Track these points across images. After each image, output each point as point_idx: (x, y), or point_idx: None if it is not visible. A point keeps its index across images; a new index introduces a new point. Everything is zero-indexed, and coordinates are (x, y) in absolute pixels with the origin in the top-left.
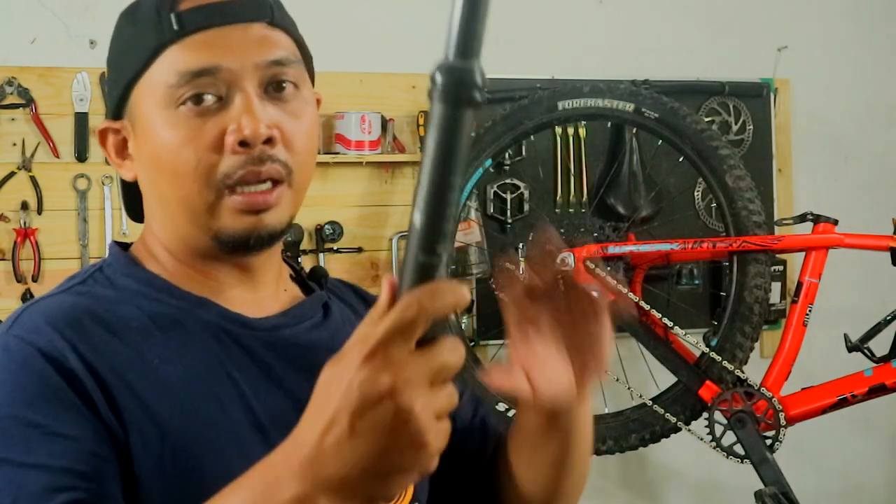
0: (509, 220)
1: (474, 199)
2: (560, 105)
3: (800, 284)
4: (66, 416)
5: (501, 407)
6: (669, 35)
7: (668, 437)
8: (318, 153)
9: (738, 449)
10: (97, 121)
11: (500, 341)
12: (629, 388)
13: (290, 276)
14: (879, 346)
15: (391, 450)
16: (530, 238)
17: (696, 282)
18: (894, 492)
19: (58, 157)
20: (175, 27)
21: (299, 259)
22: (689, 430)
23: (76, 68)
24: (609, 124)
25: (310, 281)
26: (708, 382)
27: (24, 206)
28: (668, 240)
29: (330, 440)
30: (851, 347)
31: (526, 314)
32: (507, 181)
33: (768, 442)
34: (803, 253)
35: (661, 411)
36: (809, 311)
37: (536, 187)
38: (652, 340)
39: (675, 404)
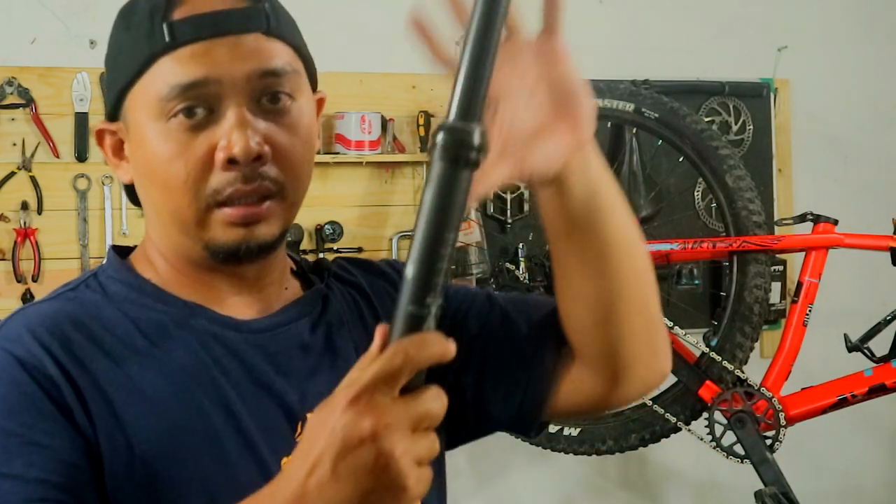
0: (509, 220)
1: None
2: None
3: (800, 284)
4: (44, 426)
5: None
6: (669, 35)
7: (668, 437)
8: (319, 153)
9: (738, 449)
10: (97, 121)
11: None
12: None
13: (292, 270)
14: (879, 346)
15: (372, 493)
16: None
17: (696, 282)
18: (894, 492)
19: (58, 157)
20: (167, 38)
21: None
22: (689, 430)
23: (76, 68)
24: (609, 124)
25: (312, 275)
26: (708, 382)
27: (24, 206)
28: (668, 240)
29: (314, 481)
30: (851, 347)
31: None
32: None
33: (768, 442)
34: (803, 253)
35: (661, 411)
36: (809, 311)
37: None
38: None
39: (675, 404)
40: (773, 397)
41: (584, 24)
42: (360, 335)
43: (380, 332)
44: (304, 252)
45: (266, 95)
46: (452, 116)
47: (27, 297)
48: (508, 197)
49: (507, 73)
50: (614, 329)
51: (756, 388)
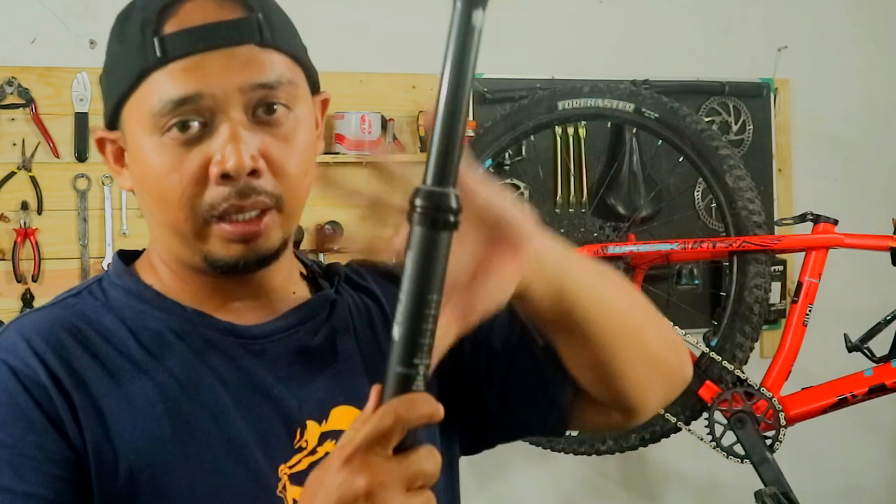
0: None
1: None
2: (560, 105)
3: (800, 284)
4: (34, 438)
5: None
6: (669, 35)
7: (668, 437)
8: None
9: (738, 449)
10: (97, 121)
11: None
12: None
13: (302, 273)
14: (879, 346)
15: None
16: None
17: (696, 282)
18: (894, 492)
19: (58, 157)
20: (158, 53)
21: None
22: (689, 430)
23: (76, 68)
24: (609, 124)
25: (321, 279)
26: (708, 382)
27: (24, 206)
28: (668, 240)
29: None
30: (851, 347)
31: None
32: (507, 181)
33: (768, 442)
34: (803, 253)
35: (661, 411)
36: (809, 311)
37: (536, 187)
38: None
39: (675, 404)
40: (773, 397)
41: (584, 24)
42: (369, 341)
43: (374, 391)
44: (304, 252)
45: (261, 107)
46: (429, 181)
47: (27, 297)
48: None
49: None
50: (617, 381)
51: (756, 388)
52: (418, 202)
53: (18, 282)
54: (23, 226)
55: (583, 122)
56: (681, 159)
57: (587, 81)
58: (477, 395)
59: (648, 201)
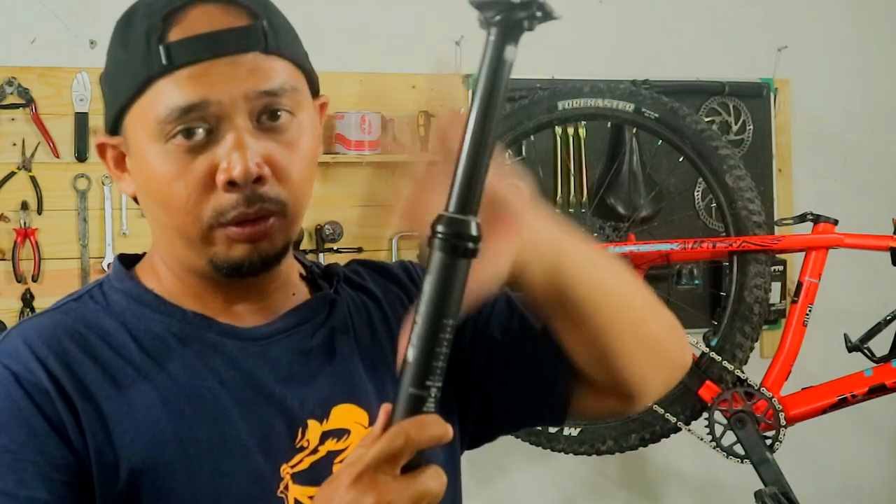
0: None
1: None
2: (560, 105)
3: (800, 284)
4: (36, 444)
5: None
6: (669, 35)
7: (668, 437)
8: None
9: (738, 449)
10: (97, 121)
11: None
12: None
13: (301, 274)
14: (879, 346)
15: None
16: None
17: (696, 282)
18: (894, 492)
19: (58, 157)
20: (164, 61)
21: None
22: (689, 430)
23: (76, 68)
24: (609, 124)
25: (321, 280)
26: (708, 382)
27: (24, 206)
28: (668, 240)
29: None
30: (851, 347)
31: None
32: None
33: (768, 442)
34: (803, 253)
35: (661, 411)
36: (809, 311)
37: (536, 187)
38: None
39: (675, 404)
40: (773, 397)
41: (584, 24)
42: (368, 341)
43: (384, 411)
44: (304, 252)
45: (265, 114)
46: (451, 209)
47: (27, 297)
48: None
49: (426, 203)
50: (616, 365)
51: (756, 388)
52: (440, 229)
53: (18, 282)
54: (23, 226)
55: (583, 122)
56: (681, 159)
57: (587, 81)
58: (478, 386)
59: (648, 201)
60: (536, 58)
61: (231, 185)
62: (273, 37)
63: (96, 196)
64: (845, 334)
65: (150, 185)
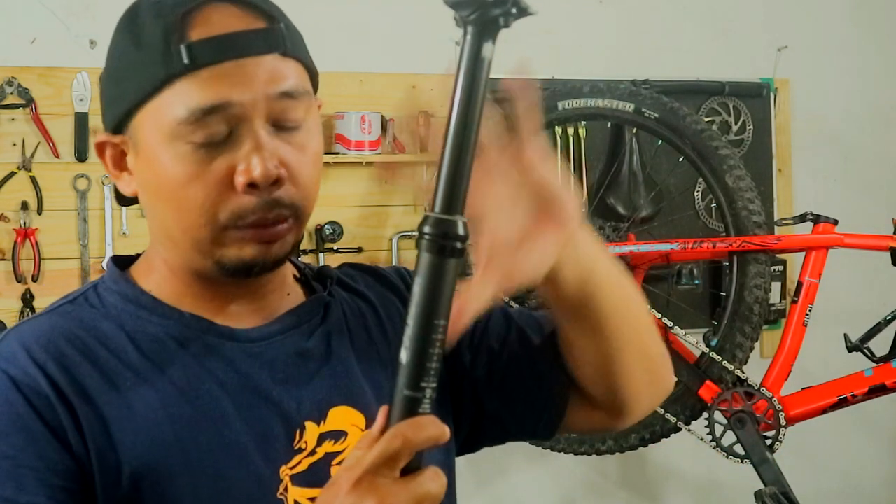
0: None
1: None
2: (560, 105)
3: (800, 284)
4: (35, 449)
5: None
6: (669, 35)
7: (668, 437)
8: None
9: (738, 449)
10: (97, 121)
11: None
12: None
13: (294, 276)
14: (879, 346)
15: None
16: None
17: (696, 282)
18: (894, 492)
19: (58, 157)
20: (185, 60)
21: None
22: (689, 430)
23: (76, 68)
24: (609, 124)
25: (314, 282)
26: (708, 382)
27: (24, 206)
28: (668, 240)
29: None
30: (851, 347)
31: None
32: None
33: (768, 442)
34: (803, 253)
35: (661, 411)
36: (809, 311)
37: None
38: None
39: (675, 404)
40: (773, 397)
41: (584, 24)
42: (364, 344)
43: (381, 413)
44: (304, 252)
45: (281, 116)
46: (437, 209)
47: (27, 297)
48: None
49: (484, 188)
50: (616, 378)
51: (756, 388)
52: (426, 230)
53: (18, 282)
54: (23, 226)
55: (583, 122)
56: (681, 159)
57: (587, 81)
58: (474, 397)
59: (648, 201)
60: (536, 58)
61: (251, 186)
62: (290, 39)
63: (96, 196)
64: (845, 334)
65: (161, 185)
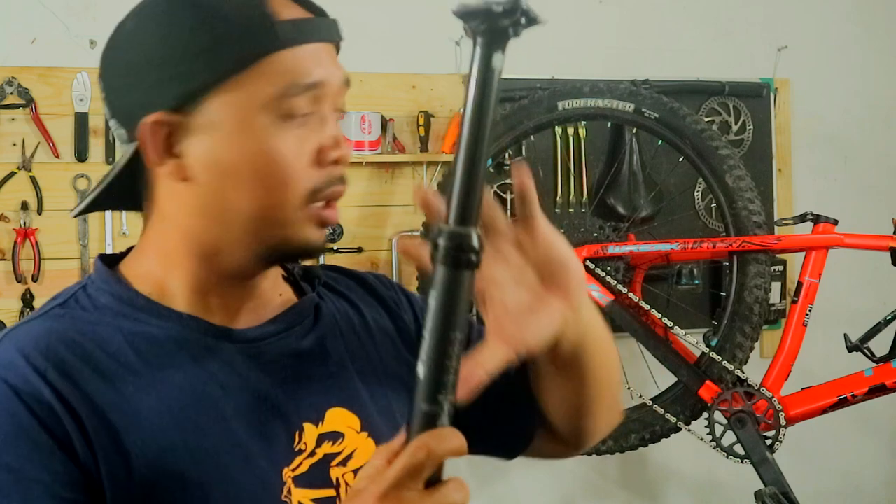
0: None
1: None
2: (560, 105)
3: (800, 284)
4: (40, 460)
5: None
6: (669, 35)
7: (668, 437)
8: None
9: (738, 449)
10: (97, 121)
11: None
12: (629, 389)
13: (283, 276)
14: (879, 346)
15: None
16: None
17: (696, 282)
18: (894, 492)
19: (58, 157)
20: (280, 36)
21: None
22: (689, 430)
23: (76, 68)
24: (609, 124)
25: (303, 282)
26: (708, 382)
27: (24, 206)
28: (668, 240)
29: None
30: (851, 347)
31: (488, 272)
32: (507, 181)
33: (768, 442)
34: (803, 253)
35: (661, 411)
36: (809, 311)
37: (536, 187)
38: (652, 340)
39: (675, 404)
40: (773, 397)
41: (584, 24)
42: (356, 347)
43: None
44: None
45: (341, 103)
46: (451, 222)
47: (27, 297)
48: (508, 197)
49: (491, 262)
50: (586, 419)
51: (756, 388)
52: (441, 242)
53: (18, 282)
54: (23, 226)
55: (583, 122)
56: (681, 159)
57: (587, 81)
58: None
59: (648, 201)
60: (536, 58)
61: (336, 163)
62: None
63: None
64: (845, 334)
65: (245, 163)
